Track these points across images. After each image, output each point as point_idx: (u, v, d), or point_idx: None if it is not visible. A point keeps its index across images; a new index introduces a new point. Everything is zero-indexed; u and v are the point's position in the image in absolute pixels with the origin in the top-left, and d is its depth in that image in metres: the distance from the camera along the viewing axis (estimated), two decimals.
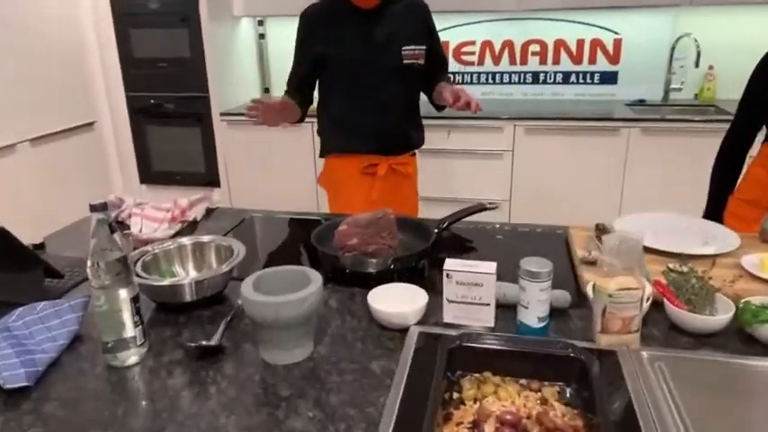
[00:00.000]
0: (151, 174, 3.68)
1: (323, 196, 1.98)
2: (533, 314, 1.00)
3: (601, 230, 1.39)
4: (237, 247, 1.21)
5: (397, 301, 1.07)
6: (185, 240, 1.26)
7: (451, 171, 3.15)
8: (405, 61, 1.77)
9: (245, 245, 1.23)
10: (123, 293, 0.94)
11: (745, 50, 3.24)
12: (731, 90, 3.27)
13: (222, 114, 3.40)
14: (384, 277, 1.23)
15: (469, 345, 0.88)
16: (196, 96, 3.43)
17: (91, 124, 3.53)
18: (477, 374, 0.88)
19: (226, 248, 1.23)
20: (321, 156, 1.94)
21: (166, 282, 1.09)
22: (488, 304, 1.01)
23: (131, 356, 0.97)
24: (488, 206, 1.41)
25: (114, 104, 3.57)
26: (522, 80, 3.55)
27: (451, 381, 0.87)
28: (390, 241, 1.34)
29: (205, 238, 1.27)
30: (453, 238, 1.48)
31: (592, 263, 1.24)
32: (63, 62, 3.29)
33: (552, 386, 0.86)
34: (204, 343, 1.00)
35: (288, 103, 1.65)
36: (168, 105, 3.50)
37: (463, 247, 1.46)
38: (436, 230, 1.36)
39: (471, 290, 1.00)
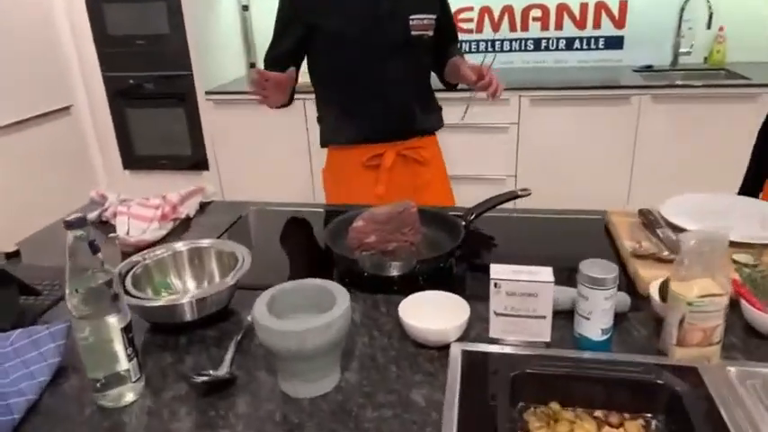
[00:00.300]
0: (134, 159, 3.47)
1: (319, 177, 1.76)
2: (596, 326, 0.85)
3: (646, 216, 1.25)
4: (241, 253, 1.05)
5: (432, 314, 0.93)
6: (181, 246, 1.10)
7: (455, 146, 2.97)
8: (413, 33, 1.54)
9: (245, 245, 1.08)
10: (113, 322, 0.79)
11: (755, 11, 3.09)
12: (742, 53, 3.12)
13: (207, 93, 3.19)
14: (408, 281, 1.08)
15: (535, 370, 0.74)
16: (178, 75, 3.21)
17: (67, 108, 3.30)
18: (542, 407, 0.74)
19: (228, 255, 1.07)
20: (322, 146, 1.71)
21: (162, 301, 0.93)
22: (544, 317, 0.86)
23: (126, 395, 0.82)
24: (521, 193, 1.26)
25: (91, 86, 3.34)
26: (523, 47, 3.37)
27: (512, 417, 0.73)
28: (412, 238, 1.19)
29: (204, 243, 1.11)
30: (478, 230, 1.33)
31: (643, 256, 1.10)
32: (32, 41, 3.05)
33: (635, 419, 0.72)
34: (212, 373, 0.85)
35: (293, 77, 1.44)
36: (148, 85, 3.28)
37: (491, 241, 1.31)
38: (464, 223, 1.21)
39: (524, 301, 0.85)
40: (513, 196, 1.26)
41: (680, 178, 2.82)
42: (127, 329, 0.80)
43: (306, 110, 3.05)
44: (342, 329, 0.79)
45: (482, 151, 2.99)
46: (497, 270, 0.87)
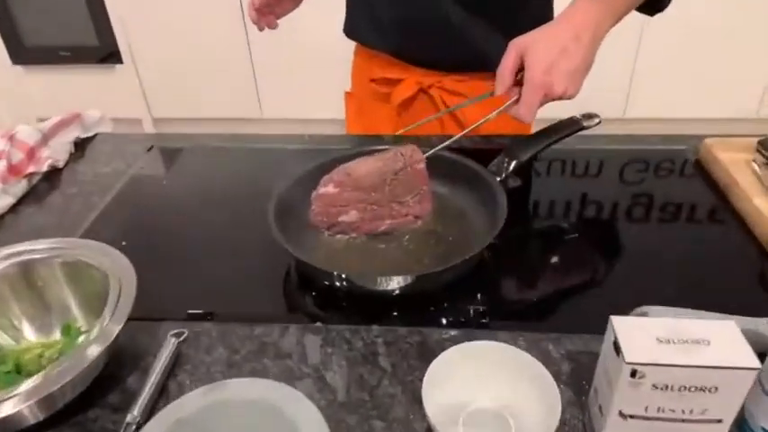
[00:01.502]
0: (25, 50, 2.73)
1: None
2: None
3: None
4: (114, 268, 0.57)
5: (483, 395, 0.49)
6: None
7: None
8: None
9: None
10: None
11: None
12: None
13: None
14: (416, 295, 0.64)
15: None
16: None
17: None
18: None
19: (89, 268, 0.58)
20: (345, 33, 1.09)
21: None
22: (720, 421, 0.43)
23: None
24: (585, 124, 0.77)
25: None
26: None
27: None
28: (419, 209, 0.72)
29: (40, 249, 0.60)
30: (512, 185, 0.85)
31: None
32: None
33: None
34: None
35: None
36: None
37: (532, 203, 0.85)
38: (499, 179, 0.73)
39: (687, 399, 0.42)
40: (575, 129, 0.77)
41: (691, 80, 2.37)
42: None
43: None
44: None
45: None
46: (628, 336, 0.42)
